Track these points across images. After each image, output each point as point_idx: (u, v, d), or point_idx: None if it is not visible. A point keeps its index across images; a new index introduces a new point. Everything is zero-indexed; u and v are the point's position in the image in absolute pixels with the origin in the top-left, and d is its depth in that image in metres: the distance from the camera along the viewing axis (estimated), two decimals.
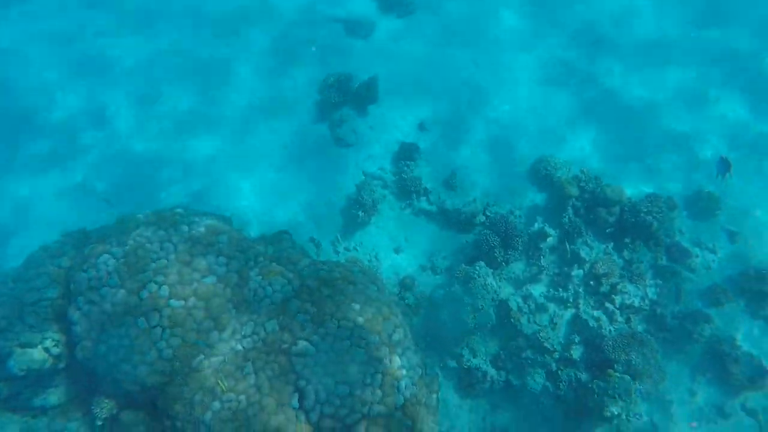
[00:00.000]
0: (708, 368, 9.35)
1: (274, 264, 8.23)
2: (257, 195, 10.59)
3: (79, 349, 6.96)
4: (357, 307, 7.87)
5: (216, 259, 7.72)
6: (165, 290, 7.12)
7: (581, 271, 9.23)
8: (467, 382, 9.12)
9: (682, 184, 10.97)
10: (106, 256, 7.34)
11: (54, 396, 7.40)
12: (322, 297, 7.89)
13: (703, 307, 9.73)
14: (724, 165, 8.93)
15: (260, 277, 7.91)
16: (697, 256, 10.10)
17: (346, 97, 10.93)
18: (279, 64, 12.26)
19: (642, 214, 9.35)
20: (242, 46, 12.70)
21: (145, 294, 7.03)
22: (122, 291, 7.01)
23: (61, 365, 7.32)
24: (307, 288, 8.00)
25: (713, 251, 10.26)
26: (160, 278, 7.18)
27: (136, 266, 7.24)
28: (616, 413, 7.90)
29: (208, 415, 6.78)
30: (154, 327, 6.96)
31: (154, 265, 7.25)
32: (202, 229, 8.07)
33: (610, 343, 8.40)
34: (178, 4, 13.91)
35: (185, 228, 7.95)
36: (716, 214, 10.65)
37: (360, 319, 7.65)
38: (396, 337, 7.87)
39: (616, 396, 7.96)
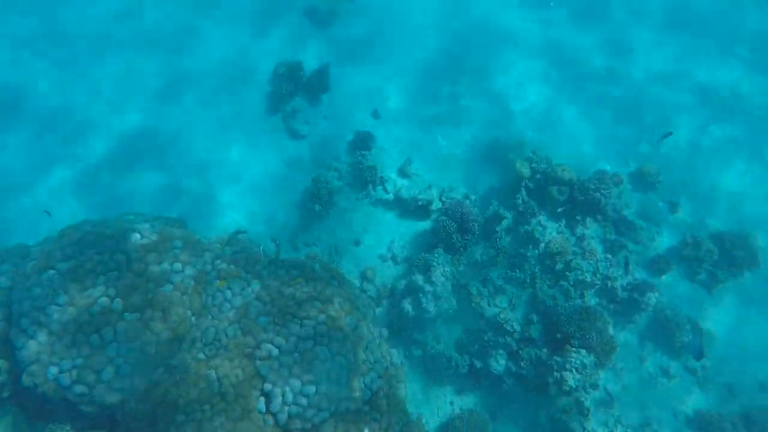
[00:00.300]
0: (654, 335, 9.96)
1: (232, 266, 8.05)
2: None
3: (26, 375, 6.57)
4: (318, 305, 7.84)
5: (171, 266, 7.47)
6: (118, 303, 6.84)
7: (536, 251, 9.51)
8: (433, 368, 9.32)
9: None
10: (51, 272, 6.95)
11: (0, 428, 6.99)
12: (283, 297, 7.81)
13: (648, 277, 10.30)
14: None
15: (218, 281, 7.74)
16: (642, 228, 10.59)
17: (298, 87, 10.65)
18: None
19: (591, 191, 9.68)
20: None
21: (96, 309, 6.73)
22: (71, 308, 6.68)
23: (5, 394, 6.86)
24: (267, 290, 7.89)
25: (656, 223, 10.80)
26: (111, 291, 6.89)
27: (85, 281, 6.90)
28: (574, 386, 8.28)
29: (172, 429, 6.64)
30: (109, 343, 6.70)
31: (103, 278, 6.94)
32: (155, 237, 7.77)
33: (566, 319, 8.75)
34: None
35: (136, 236, 7.63)
36: (657, 187, 11.18)
37: (322, 317, 7.64)
38: (360, 331, 7.91)
39: (574, 370, 8.34)
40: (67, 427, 6.77)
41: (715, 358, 9.97)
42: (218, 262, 8.02)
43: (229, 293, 7.64)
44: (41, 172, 10.42)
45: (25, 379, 6.60)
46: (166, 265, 7.39)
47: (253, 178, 10.35)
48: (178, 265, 7.48)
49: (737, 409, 9.48)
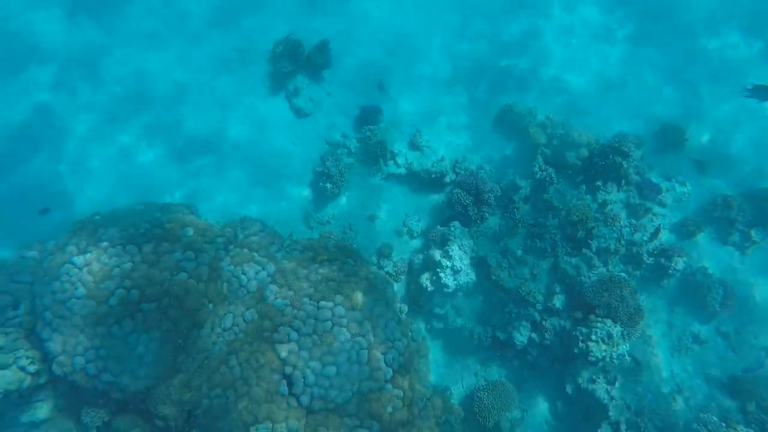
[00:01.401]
0: (683, 299, 9.63)
1: (245, 251, 8.01)
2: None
3: (55, 365, 6.75)
4: (335, 285, 7.76)
5: (183, 254, 7.45)
6: (134, 294, 6.87)
7: (556, 220, 9.20)
8: (456, 341, 9.23)
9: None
10: (68, 266, 7.01)
11: (42, 411, 7.23)
12: (299, 279, 7.75)
13: (677, 240, 9.90)
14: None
15: (233, 266, 7.71)
16: (667, 191, 10.16)
17: (299, 65, 10.36)
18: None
19: (610, 156, 9.26)
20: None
21: (114, 301, 6.78)
22: (90, 301, 6.74)
23: (42, 380, 7.10)
24: (281, 272, 7.83)
25: (683, 183, 10.33)
26: (127, 282, 6.92)
27: (101, 274, 6.94)
28: (600, 357, 8.08)
29: (199, 412, 6.73)
30: (130, 333, 6.76)
31: (118, 270, 6.96)
32: (166, 225, 7.75)
33: (590, 289, 8.50)
34: None
35: (146, 226, 7.62)
36: (684, 146, 10.66)
37: (339, 298, 7.56)
38: (377, 310, 7.83)
39: (599, 340, 8.13)
40: (102, 411, 6.94)
41: (751, 322, 9.63)
42: (231, 247, 7.98)
43: (244, 278, 7.61)
44: None
45: (55, 369, 6.78)
46: (178, 254, 7.37)
47: (260, 159, 10.19)
48: (190, 253, 7.45)
49: None
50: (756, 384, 8.91)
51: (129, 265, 7.02)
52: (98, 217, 7.83)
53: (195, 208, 9.24)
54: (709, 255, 9.96)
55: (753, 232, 9.94)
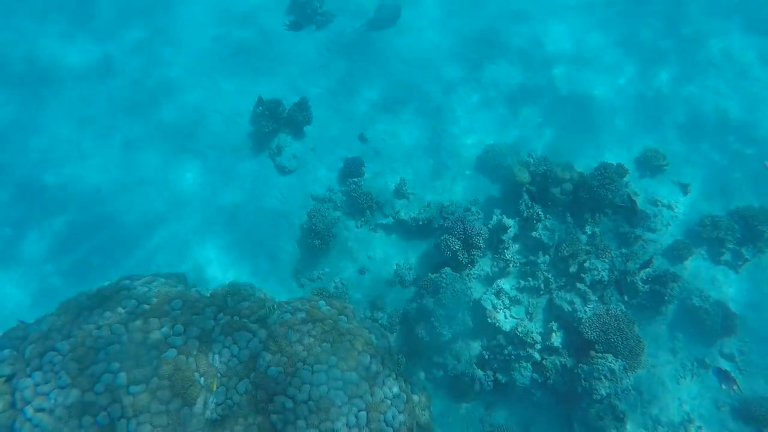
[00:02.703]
0: (684, 324, 9.51)
1: (235, 318, 7.86)
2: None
3: None
4: (328, 346, 7.60)
5: (172, 330, 7.30)
6: (122, 378, 6.68)
7: (547, 256, 9.15)
8: (457, 388, 9.02)
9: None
10: (51, 353, 6.83)
11: None
12: (291, 344, 7.59)
13: (670, 264, 9.85)
14: None
15: (223, 336, 7.55)
16: (655, 216, 10.18)
17: (280, 123, 10.46)
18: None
19: (596, 189, 9.29)
20: None
21: (100, 388, 6.58)
22: (74, 390, 6.53)
23: None
24: (273, 338, 7.67)
25: (670, 207, 10.37)
26: (114, 366, 6.73)
27: (86, 359, 6.76)
28: (605, 394, 7.91)
29: None
30: (119, 419, 6.54)
31: (104, 353, 6.79)
32: (154, 300, 7.62)
33: (587, 324, 8.39)
34: None
35: (133, 303, 7.48)
36: (665, 169, 10.75)
37: (333, 359, 7.39)
38: (374, 368, 7.65)
39: (602, 377, 7.97)
40: None
41: (754, 341, 9.50)
42: (221, 315, 7.84)
43: (235, 348, 7.44)
44: None
45: None
46: (166, 329, 7.22)
47: (247, 220, 10.14)
48: (179, 327, 7.30)
49: None
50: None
51: (116, 347, 6.85)
52: (83, 298, 7.67)
53: (184, 276, 9.13)
54: (703, 277, 9.91)
55: (744, 250, 9.93)
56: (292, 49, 12.14)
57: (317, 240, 9.44)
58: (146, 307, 7.45)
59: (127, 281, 8.20)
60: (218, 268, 9.75)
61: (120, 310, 7.38)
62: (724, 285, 9.87)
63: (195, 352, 7.19)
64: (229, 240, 9.95)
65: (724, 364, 9.33)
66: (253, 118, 10.71)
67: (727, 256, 9.95)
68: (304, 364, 7.33)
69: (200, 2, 12.82)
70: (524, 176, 9.52)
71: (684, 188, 10.57)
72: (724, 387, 8.74)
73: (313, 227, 9.43)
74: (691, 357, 9.35)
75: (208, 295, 8.50)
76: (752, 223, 9.87)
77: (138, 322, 7.21)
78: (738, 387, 8.64)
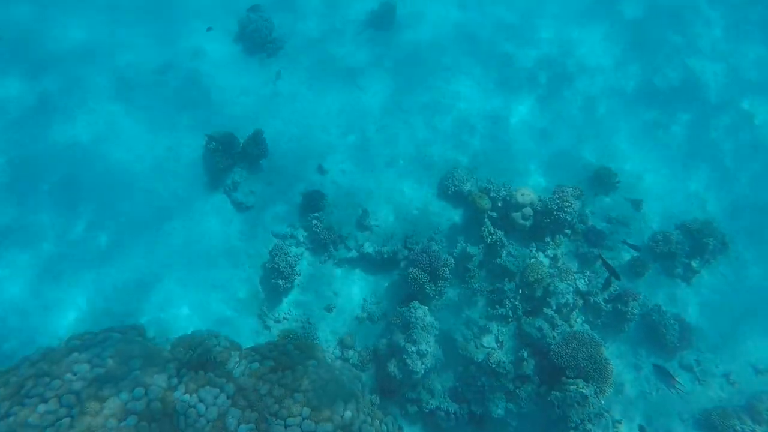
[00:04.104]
0: (645, 340, 9.81)
1: (200, 373, 7.43)
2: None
3: None
4: (300, 397, 7.32)
5: (131, 394, 6.79)
6: None
7: (513, 283, 9.22)
8: (432, 423, 8.89)
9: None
10: None
11: None
12: (261, 397, 7.25)
13: (629, 281, 10.16)
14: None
15: (188, 395, 7.10)
16: (611, 233, 10.48)
17: (234, 158, 10.07)
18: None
19: (555, 212, 9.47)
20: None
21: None
22: None
23: None
24: (241, 391, 7.30)
25: (624, 224, 10.71)
26: None
27: None
28: (579, 421, 7.98)
29: None
30: None
31: (52, 430, 6.22)
32: (110, 362, 7.09)
33: (557, 351, 8.46)
34: None
35: (85, 367, 6.93)
36: (617, 187, 11.11)
37: (306, 411, 7.12)
38: (348, 414, 7.42)
39: (575, 404, 8.04)
40: None
41: (709, 350, 9.92)
42: (184, 371, 7.38)
43: (202, 407, 7.00)
44: None
45: None
46: (125, 395, 6.71)
47: (206, 260, 9.67)
48: (139, 391, 6.81)
49: (740, 401, 9.41)
50: (726, 416, 9.08)
51: (66, 421, 6.29)
52: (27, 364, 7.03)
53: (143, 328, 8.59)
54: (659, 291, 10.28)
55: (693, 263, 10.38)
56: (240, 81, 11.80)
57: (281, 279, 9.11)
58: (99, 372, 6.92)
59: (77, 340, 7.62)
60: (178, 309, 9.21)
61: (70, 376, 6.81)
62: (679, 298, 10.27)
63: (158, 417, 6.72)
64: (189, 281, 9.43)
65: (685, 376, 9.69)
66: (205, 155, 10.26)
67: (679, 270, 10.35)
68: (276, 419, 7.01)
69: None
70: (485, 203, 9.58)
71: (636, 204, 10.96)
72: (664, 385, 9.06)
73: (277, 266, 9.09)
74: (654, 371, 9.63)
75: (169, 348, 8.05)
76: (697, 236, 10.34)
77: (92, 389, 6.67)
78: (679, 384, 8.98)
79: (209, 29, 10.06)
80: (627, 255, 10.36)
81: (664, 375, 9.08)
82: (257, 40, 11.93)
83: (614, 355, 9.58)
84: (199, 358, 7.74)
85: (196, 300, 9.37)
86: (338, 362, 8.75)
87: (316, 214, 9.69)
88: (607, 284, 9.07)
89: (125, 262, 9.51)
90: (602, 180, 11.02)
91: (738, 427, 8.88)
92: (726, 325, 10.15)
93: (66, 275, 9.29)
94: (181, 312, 9.29)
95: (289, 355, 8.08)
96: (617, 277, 8.43)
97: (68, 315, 8.98)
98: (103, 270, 9.39)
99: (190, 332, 8.44)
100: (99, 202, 9.92)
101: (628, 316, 9.44)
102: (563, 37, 13.34)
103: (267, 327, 9.27)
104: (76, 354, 7.18)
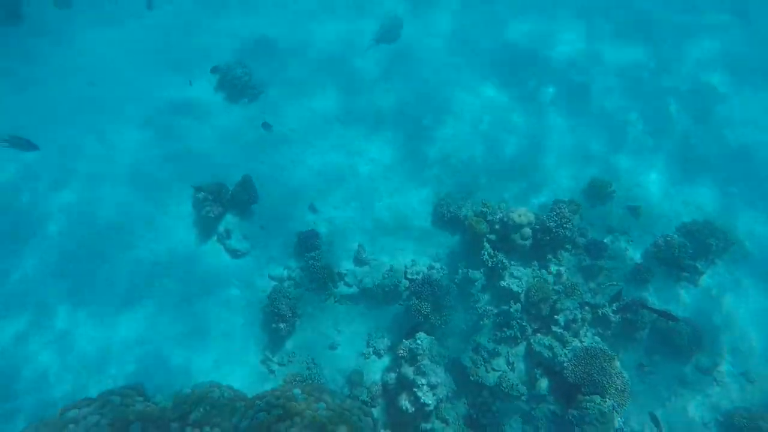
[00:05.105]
0: (658, 346, 9.59)
1: (206, 429, 7.21)
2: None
3: None
4: None
5: None
6: None
7: (519, 304, 9.06)
8: None
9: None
10: None
11: None
12: None
13: (634, 290, 9.98)
14: None
15: None
16: (612, 242, 10.36)
17: (225, 206, 10.03)
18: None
19: (554, 230, 9.37)
20: None
21: None
22: None
23: None
24: None
25: (624, 232, 10.60)
26: None
27: None
28: None
29: None
30: None
31: None
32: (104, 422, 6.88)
33: (570, 368, 8.28)
34: None
35: None
36: (613, 195, 11.03)
37: None
38: None
39: (594, 422, 7.82)
40: None
41: (725, 352, 9.69)
42: (189, 429, 7.17)
43: None
44: None
45: None
46: None
47: (203, 312, 9.51)
48: None
49: (763, 398, 9.15)
50: (752, 418, 8.80)
51: None
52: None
53: (142, 387, 8.37)
54: (667, 296, 10.09)
55: (699, 264, 10.23)
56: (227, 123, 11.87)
57: (282, 323, 8.96)
58: None
59: (76, 412, 7.40)
60: (183, 361, 9.03)
61: None
62: (687, 300, 10.08)
63: None
64: (189, 330, 9.27)
65: (703, 379, 9.42)
66: (195, 204, 10.21)
67: (685, 272, 10.19)
68: None
69: None
70: (482, 227, 9.49)
71: (634, 211, 10.87)
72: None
73: (277, 310, 8.96)
74: (670, 377, 9.39)
75: (171, 405, 7.83)
76: (699, 237, 10.22)
77: None
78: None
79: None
80: (630, 263, 10.21)
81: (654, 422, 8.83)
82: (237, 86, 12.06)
83: (629, 365, 9.34)
84: (204, 412, 7.53)
85: (198, 348, 9.18)
86: (348, 402, 8.51)
87: (312, 254, 9.59)
88: (616, 297, 8.92)
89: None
90: (597, 189, 10.95)
91: (765, 428, 8.58)
92: (738, 322, 9.94)
93: None
94: (180, 371, 9.10)
95: (296, 401, 7.85)
96: (674, 319, 8.57)
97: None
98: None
99: (191, 386, 8.23)
100: None
101: (638, 325, 9.24)
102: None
103: (271, 371, 9.07)
104: (72, 426, 6.98)
